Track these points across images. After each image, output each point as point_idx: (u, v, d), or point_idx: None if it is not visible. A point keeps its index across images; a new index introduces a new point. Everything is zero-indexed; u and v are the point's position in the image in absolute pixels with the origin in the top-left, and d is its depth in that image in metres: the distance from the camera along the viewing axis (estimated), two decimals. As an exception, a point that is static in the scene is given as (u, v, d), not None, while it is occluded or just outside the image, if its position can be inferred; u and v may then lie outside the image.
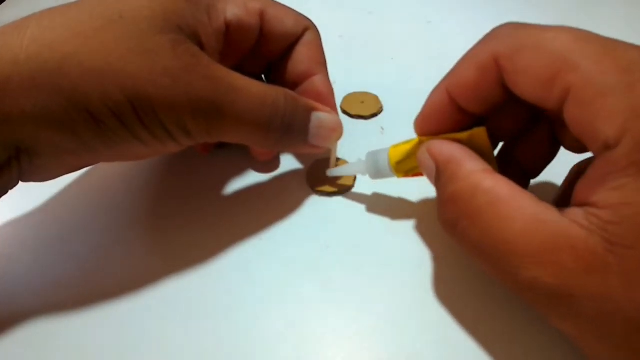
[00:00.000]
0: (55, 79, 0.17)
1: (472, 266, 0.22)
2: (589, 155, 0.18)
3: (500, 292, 0.21)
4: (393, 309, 0.21)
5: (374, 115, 0.30)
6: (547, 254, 0.15)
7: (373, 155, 0.23)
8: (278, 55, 0.26)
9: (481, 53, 0.18)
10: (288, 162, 0.28)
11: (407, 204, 0.25)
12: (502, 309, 0.21)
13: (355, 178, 0.26)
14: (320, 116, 0.23)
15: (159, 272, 0.22)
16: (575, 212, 0.15)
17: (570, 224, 0.15)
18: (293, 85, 0.26)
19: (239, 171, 0.27)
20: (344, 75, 0.27)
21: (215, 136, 0.21)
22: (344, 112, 0.31)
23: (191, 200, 0.26)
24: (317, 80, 0.25)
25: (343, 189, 0.26)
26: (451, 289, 0.21)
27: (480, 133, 0.19)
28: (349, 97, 0.32)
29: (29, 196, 0.26)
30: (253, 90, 0.20)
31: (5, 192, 0.20)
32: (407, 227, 0.24)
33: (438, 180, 0.19)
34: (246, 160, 0.28)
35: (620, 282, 0.14)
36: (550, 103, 0.16)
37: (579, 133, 0.16)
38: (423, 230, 0.24)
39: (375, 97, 0.31)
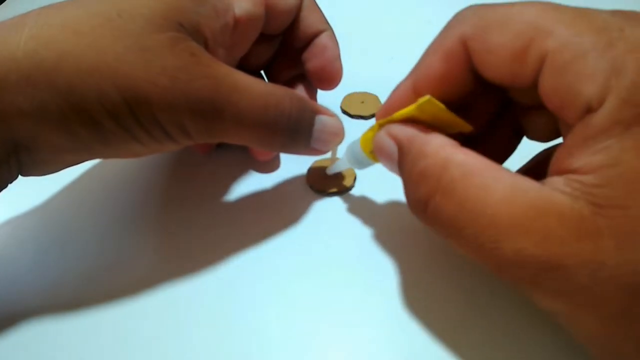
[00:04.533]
0: (51, 78, 0.17)
1: (474, 266, 0.22)
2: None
3: (504, 289, 0.21)
4: (394, 310, 0.21)
5: (374, 115, 0.30)
6: (531, 222, 0.14)
7: (350, 150, 0.23)
8: (284, 29, 0.26)
9: (447, 39, 0.17)
10: (288, 162, 0.28)
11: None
12: (505, 309, 0.20)
13: (355, 178, 0.26)
14: (324, 120, 0.23)
15: (159, 273, 0.22)
16: (554, 181, 0.15)
17: (552, 191, 0.14)
18: (302, 48, 0.26)
19: (238, 171, 0.27)
20: (344, 75, 0.27)
21: (216, 137, 0.20)
22: (344, 112, 0.31)
23: (191, 200, 0.26)
24: (324, 36, 0.26)
25: (343, 190, 0.26)
26: (454, 290, 0.21)
27: (428, 100, 0.17)
28: (349, 97, 0.32)
29: (28, 195, 0.26)
30: (256, 90, 0.20)
31: (5, 187, 0.20)
32: (408, 228, 0.24)
33: (402, 161, 0.18)
34: (246, 159, 0.27)
35: (614, 245, 0.13)
36: (524, 78, 0.16)
37: (557, 102, 0.15)
38: (425, 231, 0.24)
39: (375, 97, 0.31)
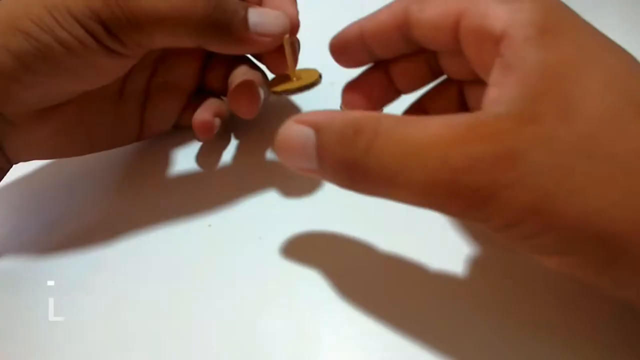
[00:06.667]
0: None
1: (470, 262, 0.21)
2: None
3: (497, 282, 0.21)
4: (390, 308, 0.21)
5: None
6: (473, 130, 0.15)
7: None
8: None
9: (398, 2, 0.20)
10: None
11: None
12: (499, 302, 0.20)
13: (320, 75, 0.25)
14: (258, 8, 0.23)
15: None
16: (487, 109, 0.16)
17: (486, 110, 0.15)
18: None
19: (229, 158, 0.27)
20: (345, 76, 0.27)
21: (143, 33, 0.21)
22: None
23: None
24: None
25: (307, 85, 0.24)
26: (453, 287, 0.21)
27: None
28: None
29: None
30: None
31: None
32: (405, 221, 0.24)
33: (325, 136, 0.17)
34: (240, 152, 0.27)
35: (555, 119, 0.14)
36: (450, 42, 0.18)
37: (474, 44, 0.18)
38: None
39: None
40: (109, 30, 0.21)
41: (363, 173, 0.16)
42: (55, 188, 0.27)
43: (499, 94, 0.15)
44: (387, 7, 0.21)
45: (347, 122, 0.16)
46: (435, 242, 0.23)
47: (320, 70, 0.25)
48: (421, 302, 0.21)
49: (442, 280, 0.22)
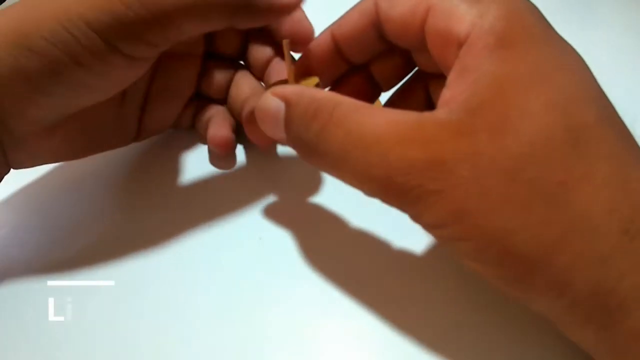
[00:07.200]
0: (3, 29, 0.19)
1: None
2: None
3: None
4: (392, 308, 0.21)
5: None
6: (413, 133, 0.16)
7: None
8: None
9: (365, 1, 0.20)
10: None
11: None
12: (497, 301, 0.20)
13: (319, 82, 0.24)
14: None
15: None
16: (434, 111, 0.16)
17: (432, 112, 0.16)
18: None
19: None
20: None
21: (171, 26, 0.20)
22: None
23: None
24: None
25: None
26: (457, 288, 0.21)
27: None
28: None
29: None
30: None
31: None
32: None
33: (292, 112, 0.18)
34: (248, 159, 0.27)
35: (488, 137, 0.15)
36: (415, 28, 0.18)
37: (438, 42, 0.17)
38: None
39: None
40: (132, 34, 0.20)
41: (314, 154, 0.18)
42: (55, 188, 0.27)
43: (451, 96, 0.16)
44: (355, 9, 0.21)
45: (311, 101, 0.18)
46: (438, 243, 0.23)
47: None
48: (423, 302, 0.21)
49: (445, 280, 0.22)
